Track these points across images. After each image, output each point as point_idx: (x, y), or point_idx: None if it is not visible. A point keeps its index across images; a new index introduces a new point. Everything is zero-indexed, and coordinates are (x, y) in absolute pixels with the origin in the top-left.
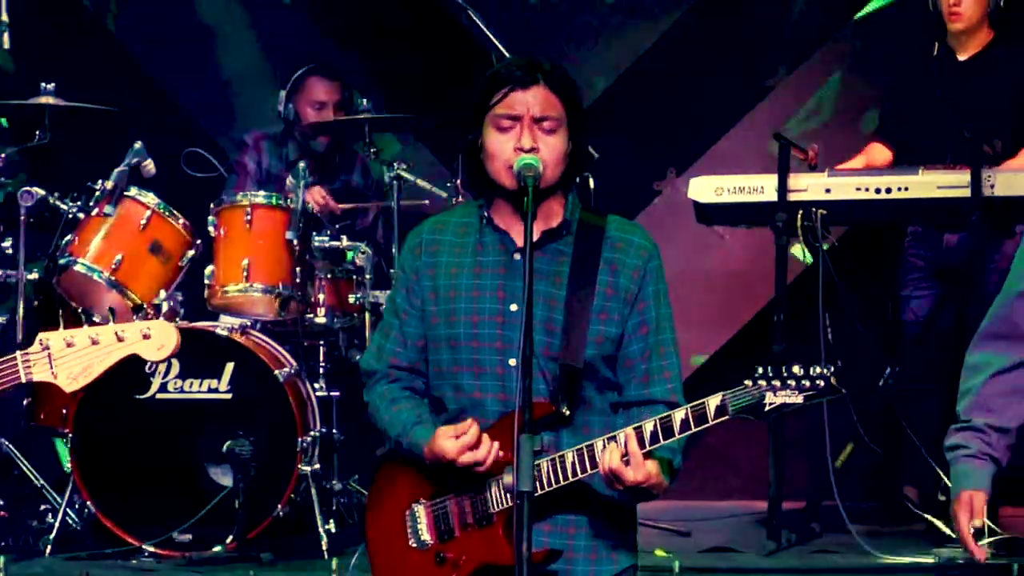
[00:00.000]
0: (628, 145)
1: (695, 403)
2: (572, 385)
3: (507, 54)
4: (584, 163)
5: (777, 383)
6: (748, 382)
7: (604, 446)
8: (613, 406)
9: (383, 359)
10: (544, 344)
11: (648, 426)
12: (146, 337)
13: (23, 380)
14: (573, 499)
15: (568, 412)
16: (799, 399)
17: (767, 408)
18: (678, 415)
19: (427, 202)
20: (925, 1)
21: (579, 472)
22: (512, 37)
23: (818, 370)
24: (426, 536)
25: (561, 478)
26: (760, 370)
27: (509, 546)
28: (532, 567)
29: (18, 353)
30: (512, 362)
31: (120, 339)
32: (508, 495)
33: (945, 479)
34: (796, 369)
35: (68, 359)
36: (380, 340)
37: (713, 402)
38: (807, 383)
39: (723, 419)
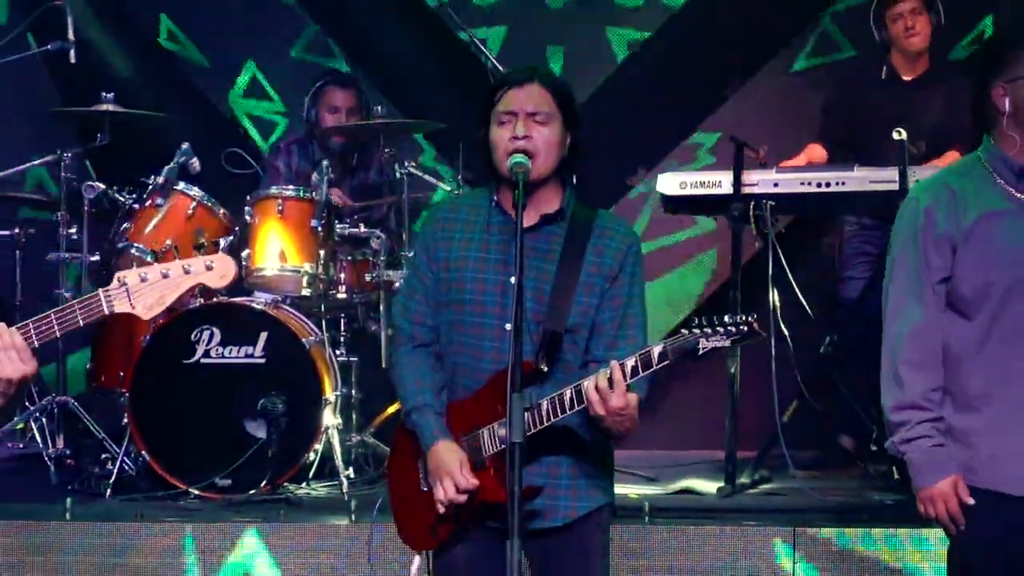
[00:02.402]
0: (605, 146)
1: (642, 351)
2: (554, 346)
3: (500, 67)
4: (578, 155)
5: (709, 330)
6: (685, 331)
7: (589, 380)
8: (584, 364)
9: (409, 316)
10: (534, 311)
11: (629, 362)
12: (209, 269)
13: (106, 312)
14: (557, 445)
15: (545, 368)
16: (727, 343)
17: (701, 351)
18: (629, 362)
19: (430, 190)
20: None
21: (551, 418)
22: (502, 55)
23: (743, 318)
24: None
25: (538, 423)
26: (696, 320)
27: (499, 486)
28: (522, 502)
29: (100, 291)
30: (508, 327)
31: (187, 272)
32: (497, 443)
33: (876, 431)
34: (726, 318)
35: (143, 292)
36: (405, 300)
37: (656, 349)
38: (733, 328)
39: (665, 363)
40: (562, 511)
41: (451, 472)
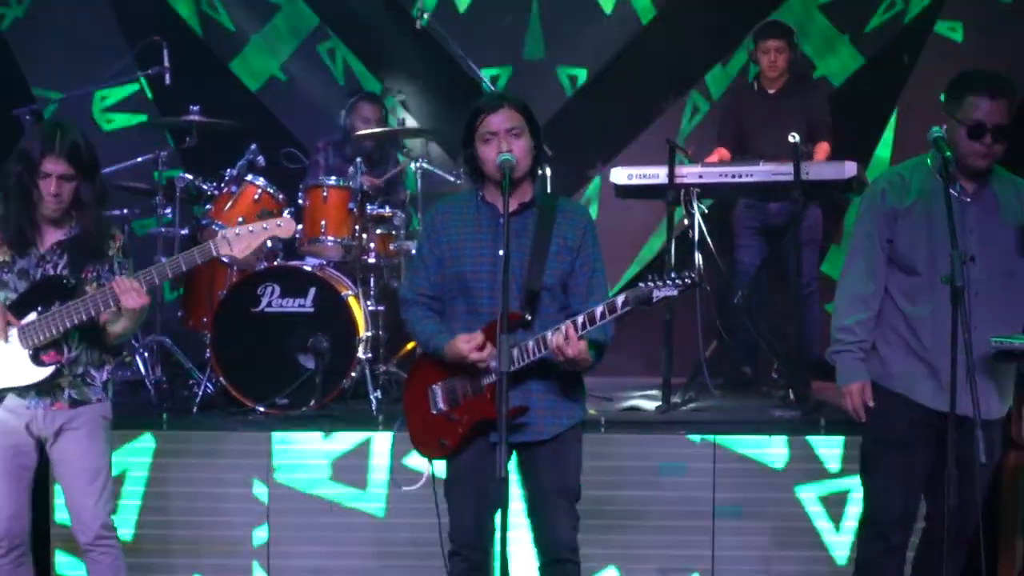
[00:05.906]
0: (571, 147)
1: (608, 300)
2: (534, 301)
3: (492, 87)
4: (542, 158)
5: (660, 283)
6: (641, 284)
7: (552, 334)
8: (565, 316)
9: (414, 290)
10: (518, 275)
11: (580, 318)
12: (279, 226)
13: (214, 254)
14: (539, 375)
15: (530, 318)
16: (675, 292)
17: (655, 300)
18: (598, 309)
19: (438, 180)
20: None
21: (535, 354)
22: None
23: (685, 273)
24: (441, 405)
25: (525, 358)
26: (649, 275)
27: (494, 405)
28: (509, 419)
29: (209, 241)
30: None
31: (265, 228)
32: (493, 374)
33: (776, 363)
34: (673, 274)
35: (237, 241)
36: (411, 277)
37: (619, 299)
38: (679, 281)
39: (627, 309)
40: (545, 427)
41: (463, 349)
